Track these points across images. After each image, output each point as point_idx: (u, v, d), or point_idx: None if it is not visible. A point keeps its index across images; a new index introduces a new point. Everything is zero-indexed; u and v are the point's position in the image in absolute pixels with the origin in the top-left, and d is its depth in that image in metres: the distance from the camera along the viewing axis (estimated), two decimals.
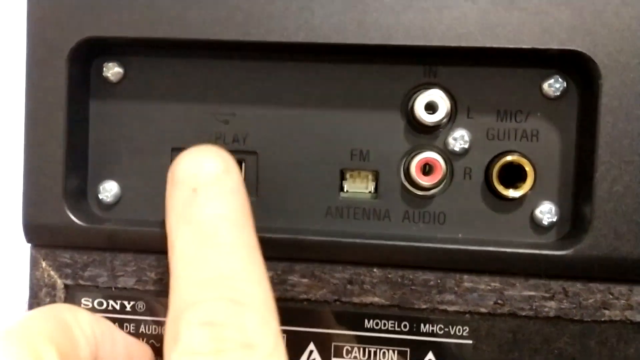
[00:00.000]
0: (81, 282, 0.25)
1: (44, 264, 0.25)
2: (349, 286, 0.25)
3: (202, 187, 0.21)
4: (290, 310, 0.25)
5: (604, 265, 0.23)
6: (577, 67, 0.24)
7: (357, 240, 0.24)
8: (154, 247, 0.25)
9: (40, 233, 0.25)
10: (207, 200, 0.21)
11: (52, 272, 0.25)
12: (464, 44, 0.23)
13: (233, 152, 0.25)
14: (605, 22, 0.23)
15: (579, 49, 0.23)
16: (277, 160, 0.25)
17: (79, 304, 0.25)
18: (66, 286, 0.25)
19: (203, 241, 0.20)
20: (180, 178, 0.21)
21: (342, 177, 0.26)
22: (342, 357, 0.25)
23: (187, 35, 0.24)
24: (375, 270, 0.25)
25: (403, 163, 0.25)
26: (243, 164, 0.26)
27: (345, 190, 0.26)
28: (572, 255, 0.23)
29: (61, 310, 0.21)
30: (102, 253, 0.25)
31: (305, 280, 0.25)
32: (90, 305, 0.25)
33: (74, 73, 0.25)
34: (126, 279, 0.25)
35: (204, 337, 0.18)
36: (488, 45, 0.23)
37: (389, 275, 0.24)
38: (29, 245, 0.26)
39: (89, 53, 0.25)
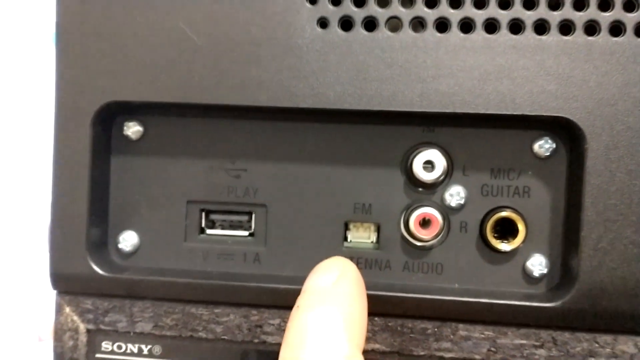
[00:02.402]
0: (102, 326, 0.27)
1: (67, 309, 0.27)
2: None
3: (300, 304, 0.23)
4: None
5: (589, 317, 0.25)
6: (565, 130, 0.25)
7: None
8: (170, 294, 0.27)
9: (65, 281, 0.27)
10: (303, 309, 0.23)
11: (75, 317, 0.27)
12: (458, 110, 0.25)
13: (243, 204, 0.27)
14: (590, 90, 0.24)
15: (566, 116, 0.24)
16: (285, 213, 0.27)
17: (99, 347, 0.27)
18: (88, 330, 0.27)
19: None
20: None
21: (346, 228, 0.27)
22: None
23: (203, 101, 0.26)
24: (376, 319, 0.26)
25: (403, 216, 0.27)
26: (253, 216, 0.28)
27: (349, 241, 0.27)
28: (560, 307, 0.25)
29: None
30: (121, 300, 0.27)
31: None
32: (110, 349, 0.27)
33: (97, 133, 0.27)
34: (144, 324, 0.27)
35: None
36: (481, 111, 0.25)
37: (389, 324, 0.26)
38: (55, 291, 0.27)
39: (111, 114, 0.27)
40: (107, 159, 0.28)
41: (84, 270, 0.27)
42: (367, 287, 0.26)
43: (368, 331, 0.26)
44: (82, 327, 0.27)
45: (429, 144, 0.26)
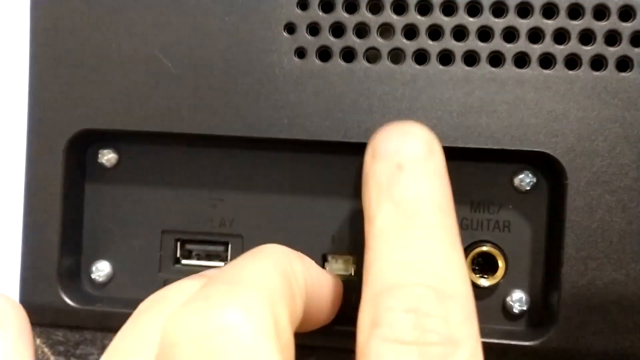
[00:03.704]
0: (73, 359, 0.27)
1: (38, 341, 0.27)
2: None
3: (407, 165, 0.20)
4: None
5: (570, 356, 0.24)
6: (545, 165, 0.25)
7: (334, 327, 0.25)
8: None
9: (35, 312, 0.26)
10: (411, 179, 0.20)
11: (45, 349, 0.27)
12: None
13: (219, 234, 0.27)
14: (570, 125, 0.24)
15: (546, 151, 0.24)
16: (262, 244, 0.27)
17: None
18: None
19: (405, 221, 0.19)
20: (384, 152, 0.21)
21: (324, 260, 0.27)
22: None
23: (178, 130, 0.25)
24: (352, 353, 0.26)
25: None
26: (229, 246, 0.27)
27: None
28: (539, 346, 0.24)
29: (284, 263, 0.20)
30: (93, 332, 0.26)
31: None
32: None
33: (70, 160, 0.26)
34: None
35: (408, 325, 0.18)
36: (460, 145, 0.24)
37: None
38: None
39: (85, 142, 0.27)
40: (81, 186, 0.27)
41: (55, 302, 0.26)
42: (345, 322, 0.26)
43: None
44: (52, 359, 0.27)
45: None
